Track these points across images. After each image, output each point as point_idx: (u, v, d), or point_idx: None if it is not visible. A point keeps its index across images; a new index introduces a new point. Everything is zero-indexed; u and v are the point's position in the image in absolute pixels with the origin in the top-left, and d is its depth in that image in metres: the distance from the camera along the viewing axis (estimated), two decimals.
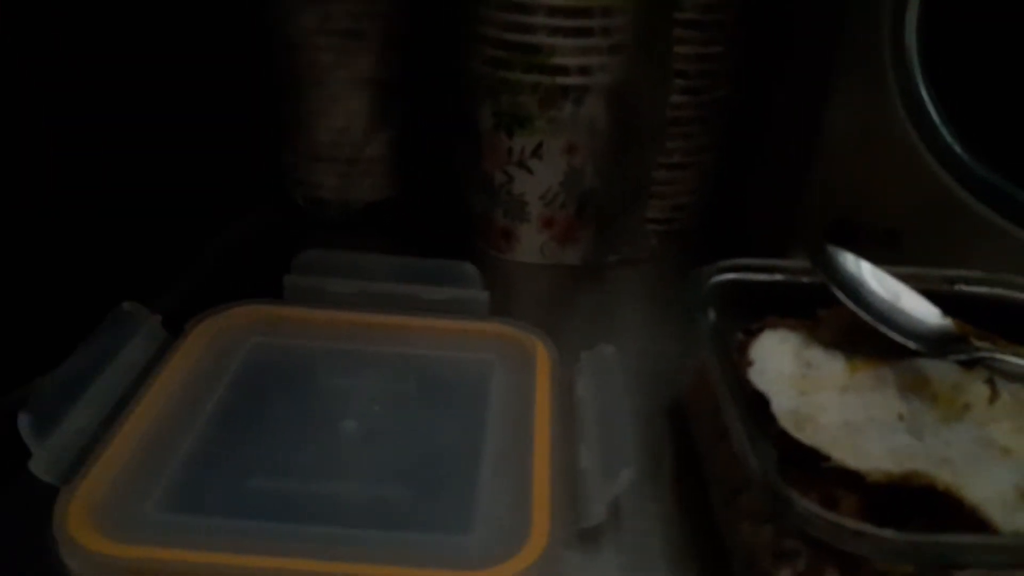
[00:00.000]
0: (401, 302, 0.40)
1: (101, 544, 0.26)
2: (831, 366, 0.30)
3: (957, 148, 0.37)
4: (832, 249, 0.32)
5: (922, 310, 0.31)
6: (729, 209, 0.53)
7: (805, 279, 0.34)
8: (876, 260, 0.33)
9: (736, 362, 0.30)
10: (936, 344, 0.30)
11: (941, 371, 0.29)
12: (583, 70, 0.43)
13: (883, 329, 0.30)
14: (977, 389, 0.28)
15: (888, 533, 0.22)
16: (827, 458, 0.25)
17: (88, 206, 0.38)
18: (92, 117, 0.39)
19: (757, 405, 0.28)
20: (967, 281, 0.35)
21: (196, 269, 0.45)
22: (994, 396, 0.28)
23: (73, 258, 0.37)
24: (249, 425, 0.33)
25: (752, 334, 0.33)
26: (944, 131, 0.37)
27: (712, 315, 0.31)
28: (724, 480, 0.29)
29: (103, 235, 0.39)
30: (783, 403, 0.28)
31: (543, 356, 0.37)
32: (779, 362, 0.30)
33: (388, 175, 0.52)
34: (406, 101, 0.51)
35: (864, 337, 0.31)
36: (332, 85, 0.48)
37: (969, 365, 0.30)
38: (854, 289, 0.31)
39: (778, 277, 0.35)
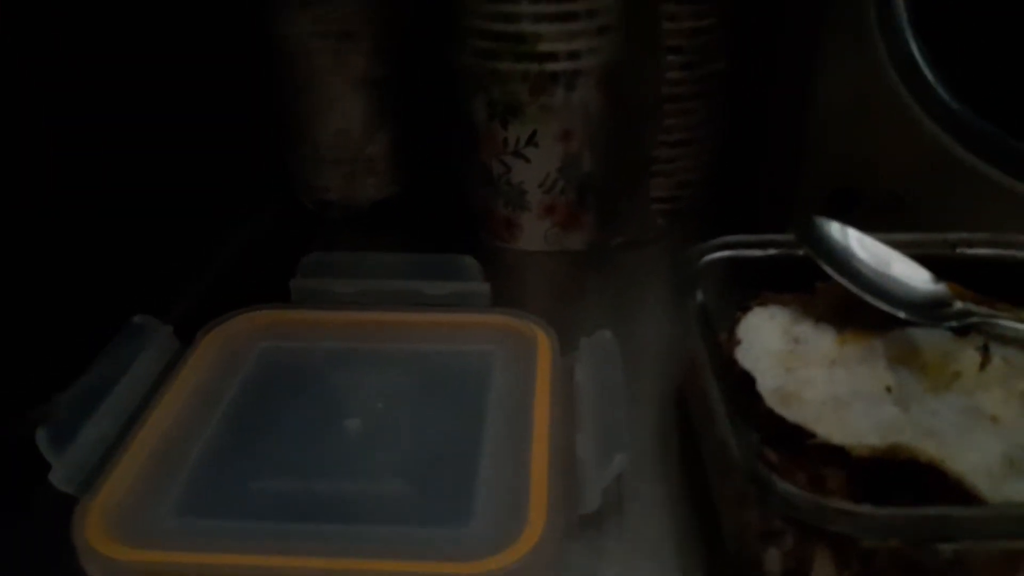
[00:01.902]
0: (404, 298, 0.40)
1: (118, 550, 0.28)
2: (820, 341, 0.30)
3: (953, 104, 0.36)
4: (818, 220, 0.31)
5: (914, 276, 0.31)
6: (737, 184, 0.52)
7: (800, 252, 0.34)
8: (880, 227, 0.33)
9: (724, 342, 0.30)
10: (928, 311, 0.30)
11: (933, 340, 0.29)
12: (572, 55, 0.43)
13: (870, 299, 0.29)
14: (968, 356, 0.28)
15: (867, 509, 0.22)
16: (812, 435, 0.25)
17: (94, 217, 0.40)
18: (96, 126, 0.40)
19: (744, 385, 0.28)
20: (969, 244, 0.34)
21: (205, 276, 0.47)
22: (985, 362, 0.27)
23: (82, 272, 0.39)
24: (257, 428, 0.34)
25: (745, 312, 0.33)
26: (938, 88, 0.36)
27: (700, 295, 0.31)
28: (715, 463, 0.29)
29: (110, 247, 0.40)
30: (769, 381, 0.28)
31: (544, 344, 0.37)
32: (767, 339, 0.30)
33: (391, 173, 0.53)
34: (404, 98, 0.52)
35: (857, 309, 0.30)
36: (329, 87, 0.49)
37: (963, 332, 0.29)
38: (841, 259, 0.30)
39: (772, 252, 0.34)
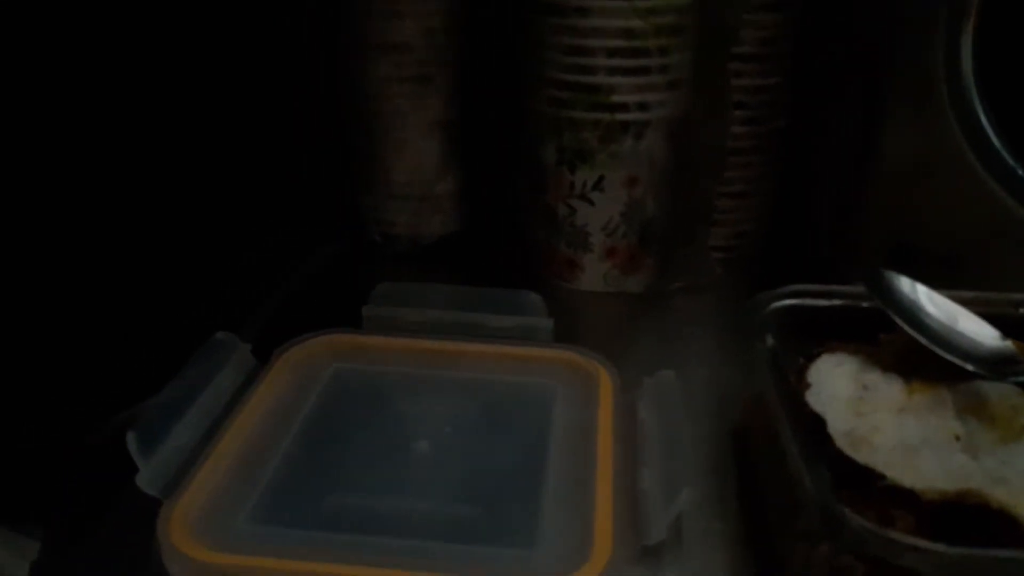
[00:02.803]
0: (470, 330, 0.42)
1: (199, 552, 0.29)
2: (888, 388, 0.30)
3: (1018, 169, 0.37)
4: (888, 273, 0.32)
5: (980, 332, 0.31)
6: (792, 236, 0.53)
7: (864, 304, 0.34)
8: (938, 285, 0.34)
9: (793, 385, 0.31)
10: (994, 365, 0.30)
11: (1000, 393, 0.29)
12: (642, 106, 0.45)
13: (939, 351, 0.30)
14: None
15: (941, 547, 0.22)
16: (882, 477, 0.26)
17: (188, 242, 0.42)
18: (196, 161, 0.42)
19: (813, 427, 0.28)
20: None
21: (282, 300, 0.48)
22: None
23: (173, 291, 0.41)
24: (330, 445, 0.35)
25: (811, 359, 0.33)
26: (1004, 152, 0.37)
27: (770, 340, 0.32)
28: (780, 501, 0.29)
29: (200, 269, 0.43)
30: (839, 424, 0.28)
31: (606, 381, 0.38)
32: (836, 385, 0.30)
33: (457, 210, 0.55)
34: (473, 141, 0.54)
35: (923, 361, 0.31)
36: (405, 129, 0.51)
37: None
38: (911, 312, 0.31)
39: (837, 302, 0.35)
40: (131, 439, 0.31)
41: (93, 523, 0.32)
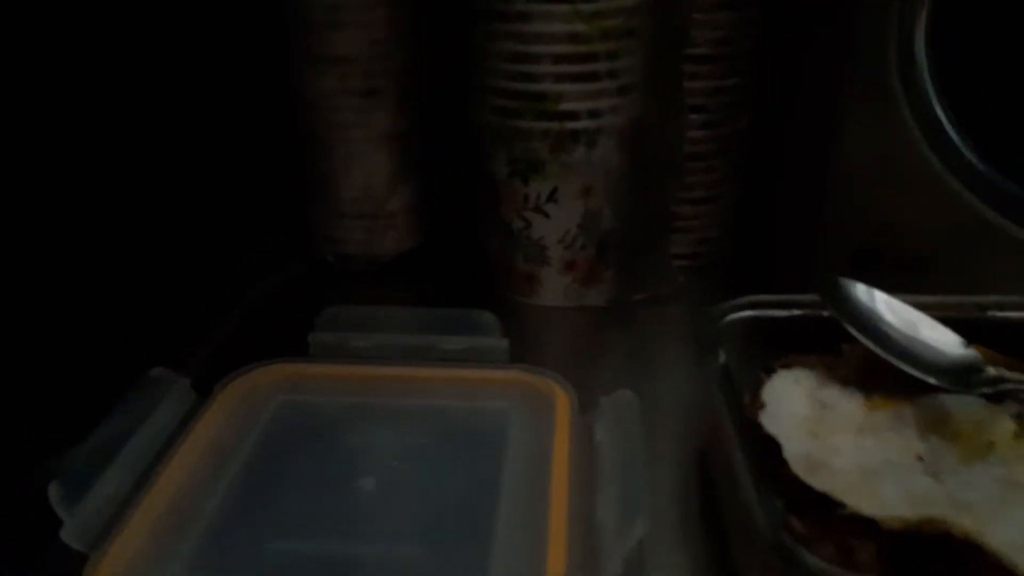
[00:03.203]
0: (422, 353, 0.40)
1: None
2: (847, 406, 0.29)
3: (979, 166, 0.36)
4: (844, 281, 0.31)
5: (943, 340, 0.30)
6: (756, 242, 0.52)
7: (825, 313, 0.33)
8: (905, 289, 0.32)
9: (747, 406, 0.29)
10: (959, 377, 0.29)
11: (964, 407, 0.28)
12: (592, 113, 0.44)
13: (899, 364, 0.29)
14: (1003, 425, 0.27)
15: None
16: (841, 505, 0.25)
17: (114, 268, 0.40)
18: (119, 177, 0.40)
19: (769, 450, 0.27)
20: (1001, 306, 0.34)
21: (224, 329, 0.47)
22: (1021, 431, 0.26)
23: (99, 324, 0.39)
24: (271, 485, 0.33)
25: (769, 373, 0.32)
26: (964, 149, 0.36)
27: (723, 356, 0.31)
28: (738, 530, 0.28)
29: (129, 298, 0.41)
30: (795, 447, 0.27)
31: (563, 402, 0.37)
32: (792, 404, 0.29)
33: (411, 226, 0.53)
34: (425, 154, 0.52)
35: (884, 372, 0.30)
36: (352, 143, 0.50)
37: (997, 399, 0.28)
38: (868, 322, 0.30)
39: (796, 312, 0.34)
40: (54, 490, 0.29)
41: None
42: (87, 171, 0.39)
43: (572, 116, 0.44)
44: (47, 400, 0.36)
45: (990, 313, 0.33)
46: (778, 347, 0.34)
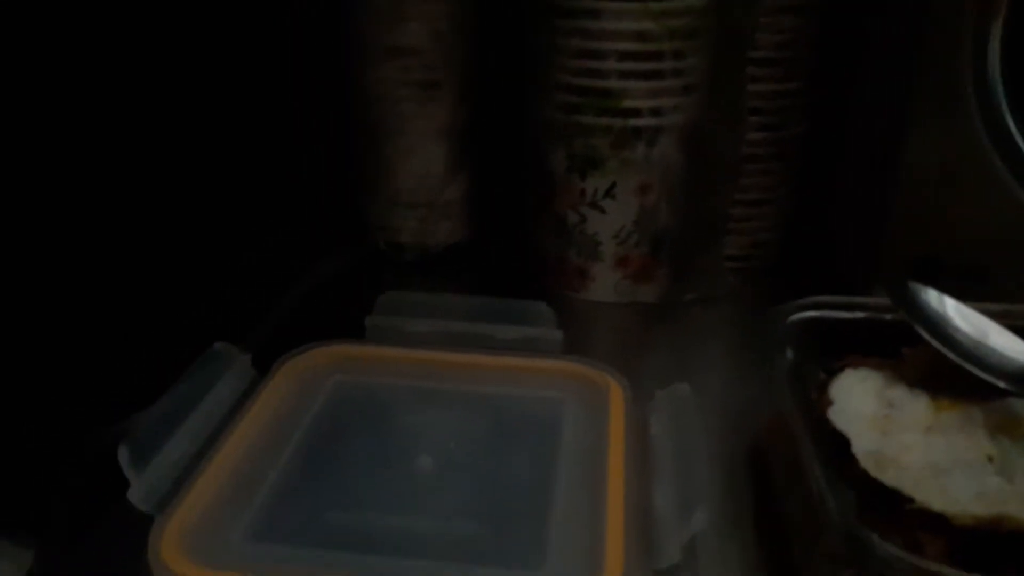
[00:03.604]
0: (477, 341, 0.40)
1: (190, 570, 0.27)
2: (915, 406, 0.29)
3: None
4: (914, 286, 0.31)
5: (1012, 347, 0.30)
6: (811, 246, 0.52)
7: (888, 317, 0.33)
8: (964, 297, 0.32)
9: (815, 402, 0.29)
10: None
11: None
12: (655, 111, 0.44)
13: (970, 367, 0.29)
14: None
15: None
16: (911, 500, 0.25)
17: (186, 248, 0.41)
18: (193, 166, 0.41)
19: (837, 446, 0.27)
20: None
21: (283, 310, 0.47)
22: None
23: (169, 299, 0.40)
24: (330, 460, 0.34)
25: (833, 373, 0.32)
26: None
27: (790, 354, 0.31)
28: (803, 523, 0.28)
29: (198, 276, 0.42)
30: (864, 444, 0.27)
31: (617, 394, 0.37)
32: (860, 402, 0.29)
33: (464, 218, 0.54)
34: (481, 147, 0.53)
35: (950, 376, 0.30)
36: (411, 134, 0.50)
37: None
38: (938, 326, 0.30)
39: (859, 315, 0.34)
40: (123, 453, 0.30)
41: (87, 536, 0.31)
42: (165, 152, 0.40)
43: (635, 113, 0.44)
44: (118, 368, 0.36)
45: None
46: (838, 349, 0.34)
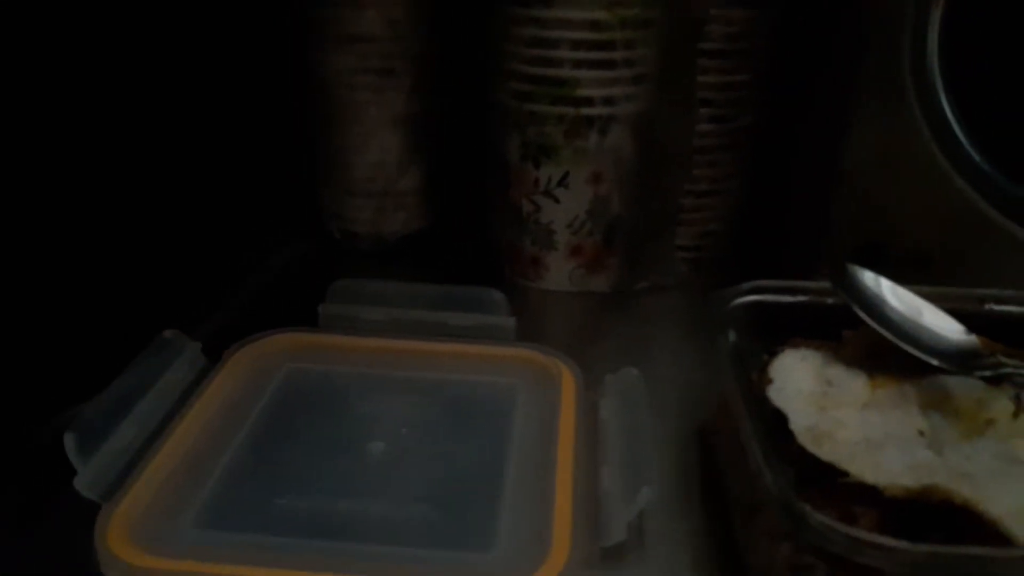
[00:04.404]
0: (430, 328, 0.41)
1: (138, 558, 0.27)
2: (852, 384, 0.30)
3: (985, 166, 0.37)
4: (852, 268, 0.32)
5: (945, 326, 0.31)
6: (760, 236, 0.53)
7: (829, 300, 0.34)
8: (906, 282, 0.33)
9: (755, 381, 0.30)
10: (959, 360, 0.30)
11: (965, 387, 0.29)
12: (607, 101, 0.45)
13: (904, 345, 0.30)
14: (1001, 404, 0.28)
15: (903, 545, 0.21)
16: (845, 473, 0.25)
17: (133, 235, 0.41)
18: (138, 149, 0.41)
19: (776, 423, 0.28)
20: (998, 300, 0.35)
21: (235, 299, 0.47)
22: (1019, 411, 0.27)
23: (117, 286, 0.39)
24: (281, 446, 0.34)
25: (774, 354, 0.33)
26: (971, 149, 0.37)
27: (732, 336, 0.31)
28: (743, 499, 0.29)
29: (147, 264, 0.41)
30: (801, 420, 0.28)
31: (568, 380, 0.37)
32: (799, 380, 0.30)
33: (420, 207, 0.54)
34: (437, 135, 0.53)
35: (888, 356, 0.31)
36: (366, 122, 0.50)
37: (995, 381, 0.29)
38: (875, 307, 0.31)
39: (801, 298, 0.35)
40: (69, 440, 0.30)
41: (34, 525, 0.31)
42: (114, 144, 0.40)
43: (587, 102, 0.44)
44: (65, 356, 0.36)
45: (988, 306, 0.34)
46: (780, 332, 0.34)
